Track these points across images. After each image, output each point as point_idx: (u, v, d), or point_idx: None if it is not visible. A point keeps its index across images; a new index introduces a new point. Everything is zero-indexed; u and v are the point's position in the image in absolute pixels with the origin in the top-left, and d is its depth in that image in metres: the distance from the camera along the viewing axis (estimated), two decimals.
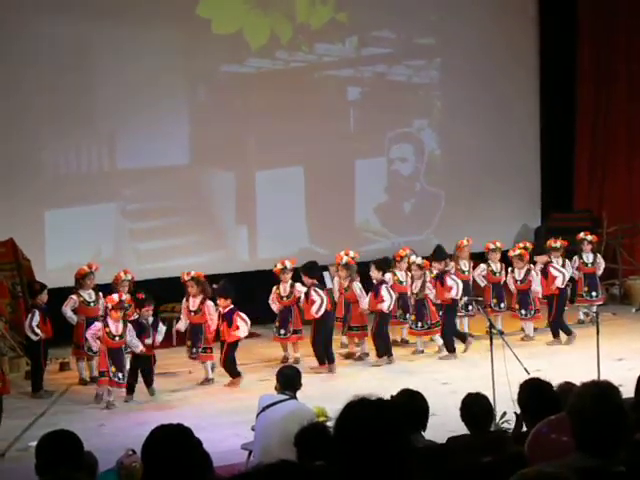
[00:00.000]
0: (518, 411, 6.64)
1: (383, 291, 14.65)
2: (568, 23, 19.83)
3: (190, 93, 17.41)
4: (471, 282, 16.43)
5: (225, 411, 12.27)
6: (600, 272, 17.06)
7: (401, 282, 15.40)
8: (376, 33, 18.58)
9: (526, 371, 10.65)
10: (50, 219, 16.31)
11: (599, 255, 17.13)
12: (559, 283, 15.53)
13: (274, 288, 14.85)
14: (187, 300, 14.11)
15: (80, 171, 16.57)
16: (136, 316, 13.35)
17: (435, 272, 15.15)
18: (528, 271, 15.83)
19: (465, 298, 15.58)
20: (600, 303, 16.70)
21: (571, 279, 16.87)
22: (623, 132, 19.88)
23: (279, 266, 14.79)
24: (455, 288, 14.96)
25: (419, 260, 15.20)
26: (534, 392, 6.12)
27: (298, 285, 14.65)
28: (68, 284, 14.38)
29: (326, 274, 16.52)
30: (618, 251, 19.17)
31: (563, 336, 15.40)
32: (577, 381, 5.21)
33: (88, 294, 14.19)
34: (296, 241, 17.86)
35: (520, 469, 4.15)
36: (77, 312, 14.11)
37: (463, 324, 16.19)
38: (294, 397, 8.85)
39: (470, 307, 15.86)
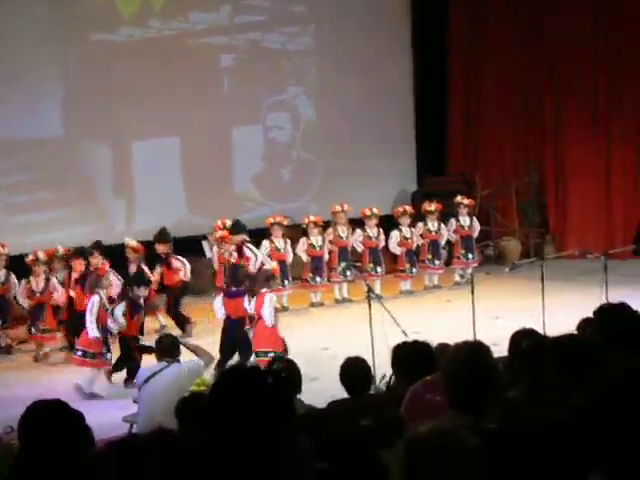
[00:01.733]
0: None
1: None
2: None
3: (61, 62, 17.03)
4: (349, 248, 16.60)
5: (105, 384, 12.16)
6: (476, 234, 17.44)
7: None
8: (249, 1, 18.51)
9: (404, 334, 10.79)
10: None
11: (474, 218, 17.48)
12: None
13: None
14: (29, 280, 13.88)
15: None
16: None
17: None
18: None
19: (343, 264, 15.78)
20: (476, 265, 17.08)
21: (447, 242, 17.23)
22: (494, 97, 20.22)
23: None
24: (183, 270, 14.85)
25: (133, 243, 14.84)
26: (409, 354, 6.22)
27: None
28: None
29: (205, 243, 16.47)
30: (491, 214, 19.57)
31: None
32: (455, 342, 5.30)
33: None
34: (174, 211, 17.74)
35: (397, 431, 4.23)
36: None
37: (342, 289, 16.37)
38: (174, 362, 8.86)
39: (348, 272, 16.02)
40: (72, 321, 13.35)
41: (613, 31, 18.88)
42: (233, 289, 12.91)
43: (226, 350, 12.18)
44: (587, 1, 19.21)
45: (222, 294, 13.02)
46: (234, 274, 13.28)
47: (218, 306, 12.73)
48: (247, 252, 14.32)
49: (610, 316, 5.29)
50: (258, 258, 14.31)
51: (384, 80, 19.84)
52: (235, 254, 14.20)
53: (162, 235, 15.03)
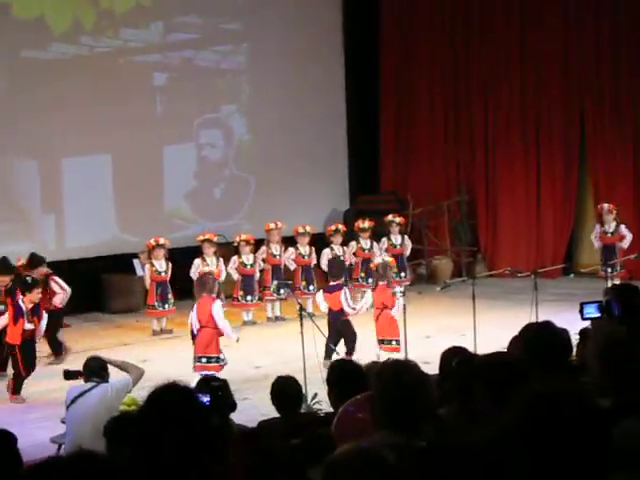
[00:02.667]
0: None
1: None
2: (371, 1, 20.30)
3: None
4: (282, 266, 16.59)
5: (32, 405, 11.98)
6: (407, 253, 17.50)
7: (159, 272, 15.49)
8: (182, 18, 18.47)
9: (336, 352, 10.83)
10: None
11: (406, 237, 17.55)
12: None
13: None
14: None
15: None
16: None
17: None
18: None
19: (275, 282, 15.78)
20: (408, 283, 17.13)
21: None
22: (425, 115, 20.39)
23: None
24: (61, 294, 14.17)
25: None
26: (341, 372, 6.21)
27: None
28: None
29: (136, 261, 16.37)
30: (424, 232, 19.68)
31: None
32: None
33: None
34: (106, 229, 17.61)
35: (328, 449, 4.21)
36: None
37: (275, 308, 16.36)
38: (102, 382, 8.77)
39: (281, 291, 16.00)
40: None
41: (538, 46, 19.13)
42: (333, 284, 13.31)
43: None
44: (515, 20, 19.45)
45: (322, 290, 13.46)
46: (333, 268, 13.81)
47: (320, 299, 13.17)
48: (54, 286, 13.94)
49: (534, 335, 5.34)
50: (67, 292, 13.96)
51: (317, 99, 19.91)
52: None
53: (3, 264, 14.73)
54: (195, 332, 12.16)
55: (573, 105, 19.07)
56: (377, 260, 13.84)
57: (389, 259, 13.76)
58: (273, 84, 19.34)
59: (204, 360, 11.83)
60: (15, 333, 12.34)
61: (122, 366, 9.28)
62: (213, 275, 12.61)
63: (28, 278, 12.80)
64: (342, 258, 14.91)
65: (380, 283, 12.97)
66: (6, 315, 12.56)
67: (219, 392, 6.19)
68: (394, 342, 12.48)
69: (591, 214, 18.81)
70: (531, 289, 12.61)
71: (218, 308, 11.96)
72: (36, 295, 12.51)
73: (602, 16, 18.59)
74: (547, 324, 5.56)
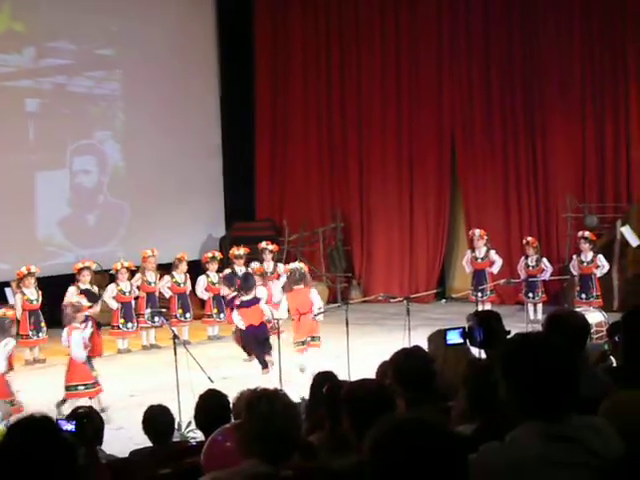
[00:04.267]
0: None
1: None
2: (245, 19, 20.48)
3: None
4: (157, 293, 16.51)
5: None
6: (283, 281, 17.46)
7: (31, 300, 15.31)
8: (54, 44, 18.27)
9: (210, 380, 10.79)
10: None
11: (280, 264, 17.56)
12: None
13: None
14: None
15: None
16: None
17: None
18: None
19: (148, 310, 15.70)
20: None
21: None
22: (300, 142, 20.59)
23: None
24: None
25: None
26: (209, 402, 6.24)
27: None
28: None
29: (8, 290, 16.07)
30: (299, 258, 19.78)
31: None
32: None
33: None
34: None
35: (195, 479, 4.24)
36: None
37: (150, 335, 16.26)
38: None
39: (156, 318, 15.90)
40: None
41: (413, 76, 19.51)
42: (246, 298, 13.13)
43: None
44: (391, 48, 19.82)
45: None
46: None
47: (237, 318, 12.99)
48: None
49: (402, 360, 5.45)
50: None
51: (192, 126, 19.91)
52: None
53: None
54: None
55: (445, 134, 19.47)
56: (291, 265, 13.82)
57: (302, 264, 13.81)
58: (147, 110, 19.28)
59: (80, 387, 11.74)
60: None
61: None
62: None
63: None
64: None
65: (294, 287, 13.01)
66: None
67: (84, 419, 6.15)
68: (318, 338, 12.96)
69: (463, 240, 19.21)
70: (404, 314, 12.78)
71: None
72: None
73: (474, 42, 19.02)
74: (412, 350, 5.69)
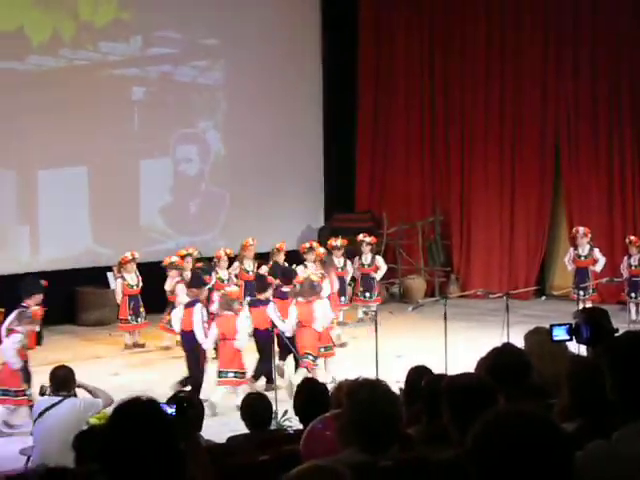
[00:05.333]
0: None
1: None
2: (350, 16, 20.37)
3: None
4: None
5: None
6: (382, 273, 17.40)
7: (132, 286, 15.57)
8: (160, 33, 18.50)
9: (307, 370, 10.85)
10: None
11: (378, 257, 17.51)
12: None
13: None
14: None
15: None
16: None
17: None
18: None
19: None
20: (377, 303, 16.99)
21: (352, 278, 17.29)
22: (402, 135, 20.49)
23: None
24: None
25: None
26: (309, 391, 6.25)
27: None
28: None
29: (110, 275, 16.33)
30: (398, 251, 19.75)
31: None
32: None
33: None
34: (80, 241, 17.58)
35: (295, 466, 4.24)
36: None
37: None
38: (70, 396, 8.74)
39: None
40: None
41: (518, 76, 19.31)
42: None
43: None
44: (495, 49, 19.64)
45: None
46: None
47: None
48: None
49: (495, 357, 5.40)
50: None
51: (294, 116, 19.97)
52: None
53: None
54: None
55: (549, 138, 19.24)
56: (303, 275, 13.69)
57: (315, 276, 13.46)
58: (250, 100, 19.39)
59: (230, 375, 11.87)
60: None
61: (93, 392, 9.25)
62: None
63: None
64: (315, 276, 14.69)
65: (299, 300, 12.79)
66: None
67: (184, 404, 6.21)
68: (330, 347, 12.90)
69: (564, 237, 18.96)
70: (503, 310, 12.66)
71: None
72: None
73: (580, 49, 18.79)
74: (505, 347, 5.64)
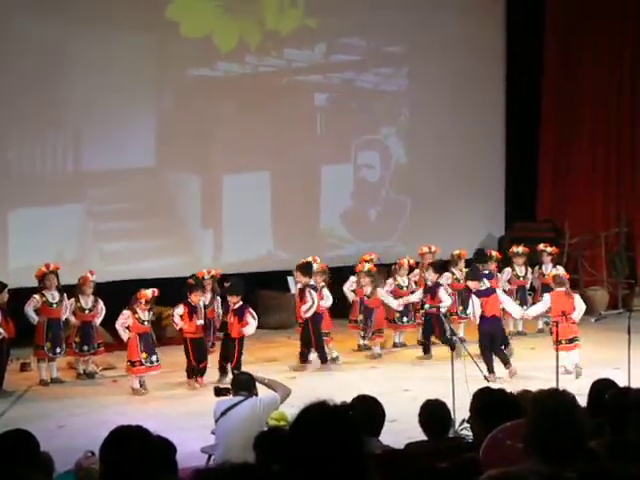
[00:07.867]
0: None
1: None
2: (535, 29, 20.00)
3: (158, 96, 17.33)
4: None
5: (186, 413, 12.23)
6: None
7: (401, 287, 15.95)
8: (345, 40, 18.64)
9: (486, 379, 10.74)
10: (14, 219, 16.16)
11: (559, 267, 17.17)
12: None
13: None
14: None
15: (45, 172, 16.44)
16: None
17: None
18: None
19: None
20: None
21: (532, 288, 17.02)
22: (586, 145, 20.04)
23: None
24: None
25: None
26: (488, 400, 6.16)
27: None
28: (30, 284, 14.28)
29: (290, 279, 16.53)
30: (579, 262, 19.34)
31: None
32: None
33: (51, 295, 14.04)
34: (261, 245, 17.89)
35: (474, 475, 4.20)
36: (39, 313, 13.97)
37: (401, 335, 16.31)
38: (250, 396, 8.90)
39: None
40: None
41: None
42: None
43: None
44: None
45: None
46: None
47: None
48: (307, 296, 14.65)
49: None
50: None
51: (475, 125, 19.78)
52: None
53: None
54: None
55: None
56: (554, 271, 15.19)
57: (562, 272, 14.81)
58: (432, 108, 19.33)
59: None
60: None
61: (270, 384, 9.40)
62: None
63: None
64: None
65: (557, 290, 13.97)
66: None
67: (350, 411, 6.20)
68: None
69: None
70: None
71: None
72: None
73: None
74: None
